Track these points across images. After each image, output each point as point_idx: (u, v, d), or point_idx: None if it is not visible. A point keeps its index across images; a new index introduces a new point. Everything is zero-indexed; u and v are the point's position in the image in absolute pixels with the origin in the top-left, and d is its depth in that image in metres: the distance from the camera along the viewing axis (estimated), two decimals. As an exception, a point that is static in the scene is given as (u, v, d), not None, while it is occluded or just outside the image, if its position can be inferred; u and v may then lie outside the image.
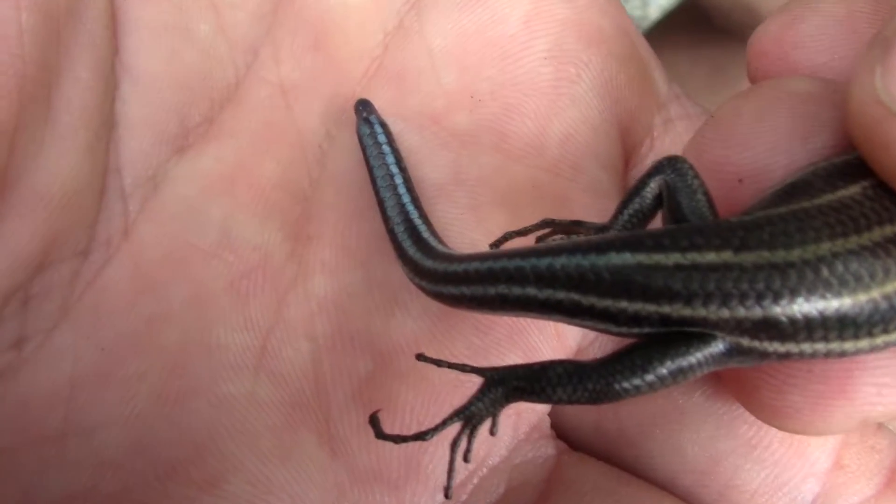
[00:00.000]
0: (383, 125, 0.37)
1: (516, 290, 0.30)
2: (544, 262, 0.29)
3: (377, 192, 0.37)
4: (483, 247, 0.36)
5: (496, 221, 0.37)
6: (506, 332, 0.36)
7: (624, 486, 0.35)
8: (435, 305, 0.35)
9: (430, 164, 0.38)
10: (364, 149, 0.37)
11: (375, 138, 0.37)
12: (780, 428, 0.32)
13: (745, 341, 0.28)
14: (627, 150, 0.40)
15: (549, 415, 0.38)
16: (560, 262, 0.29)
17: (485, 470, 0.36)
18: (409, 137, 0.38)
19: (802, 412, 0.31)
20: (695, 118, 0.41)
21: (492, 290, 0.30)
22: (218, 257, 0.36)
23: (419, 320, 0.36)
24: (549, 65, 0.38)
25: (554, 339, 0.36)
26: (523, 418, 0.36)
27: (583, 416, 0.36)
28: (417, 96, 0.38)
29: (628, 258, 0.28)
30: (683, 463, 0.35)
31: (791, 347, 0.28)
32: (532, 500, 0.35)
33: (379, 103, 0.38)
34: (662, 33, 1.05)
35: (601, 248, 0.29)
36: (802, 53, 0.33)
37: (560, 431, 0.37)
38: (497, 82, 0.38)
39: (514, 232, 0.35)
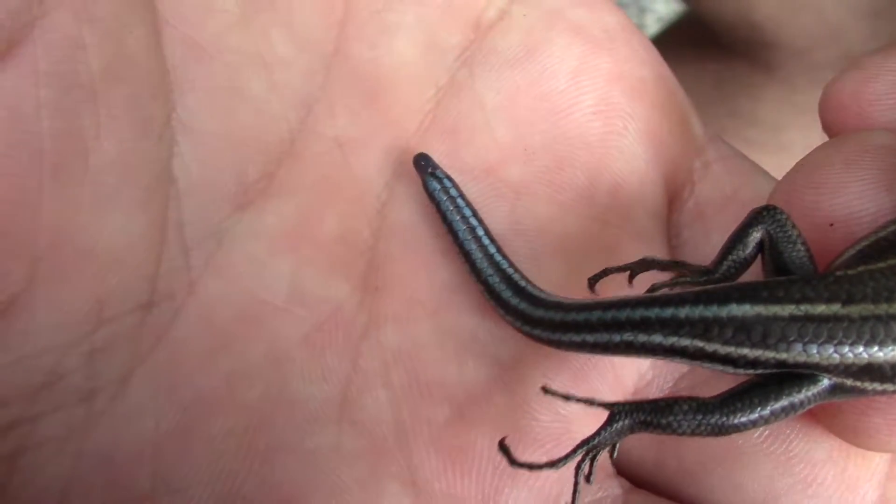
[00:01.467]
0: (450, 178, 0.38)
1: (642, 338, 0.33)
2: (668, 312, 0.33)
3: (461, 246, 0.38)
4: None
5: (555, 270, 0.39)
6: (570, 377, 0.38)
7: None
8: (506, 354, 0.38)
9: (486, 214, 0.39)
10: (438, 203, 0.38)
11: (448, 192, 0.38)
12: (861, 447, 0.35)
13: (849, 382, 0.32)
14: (670, 195, 0.42)
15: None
16: (685, 311, 0.33)
17: None
18: (467, 188, 0.39)
19: (882, 433, 0.34)
20: (730, 159, 0.43)
21: (617, 338, 0.33)
22: (289, 312, 0.37)
23: (491, 368, 0.38)
24: (597, 119, 0.40)
25: (612, 382, 0.38)
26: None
27: (644, 453, 0.38)
28: (471, 149, 0.40)
29: (748, 309, 0.32)
30: (743, 499, 0.37)
31: (888, 387, 0.32)
32: None
33: (434, 157, 0.39)
34: (667, 47, 1.06)
35: (721, 298, 0.32)
36: (878, 109, 0.36)
37: (621, 469, 0.39)
38: (549, 136, 0.39)
39: (613, 268, 0.37)
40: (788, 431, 0.37)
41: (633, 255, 0.39)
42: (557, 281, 0.38)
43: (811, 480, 0.36)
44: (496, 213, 0.39)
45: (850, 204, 0.34)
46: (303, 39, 0.39)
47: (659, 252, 0.40)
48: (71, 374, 0.34)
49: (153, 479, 0.34)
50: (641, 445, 0.38)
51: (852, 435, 0.35)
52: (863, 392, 0.33)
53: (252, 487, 0.34)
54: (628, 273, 0.38)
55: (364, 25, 0.39)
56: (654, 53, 0.43)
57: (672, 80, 0.43)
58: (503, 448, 0.34)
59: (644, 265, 0.38)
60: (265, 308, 0.37)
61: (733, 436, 0.36)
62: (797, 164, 0.36)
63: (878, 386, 0.32)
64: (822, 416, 0.36)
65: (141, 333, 0.35)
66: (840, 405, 0.35)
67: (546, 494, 0.37)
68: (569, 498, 0.37)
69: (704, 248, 0.41)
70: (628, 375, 0.39)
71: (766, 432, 0.37)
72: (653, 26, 1.24)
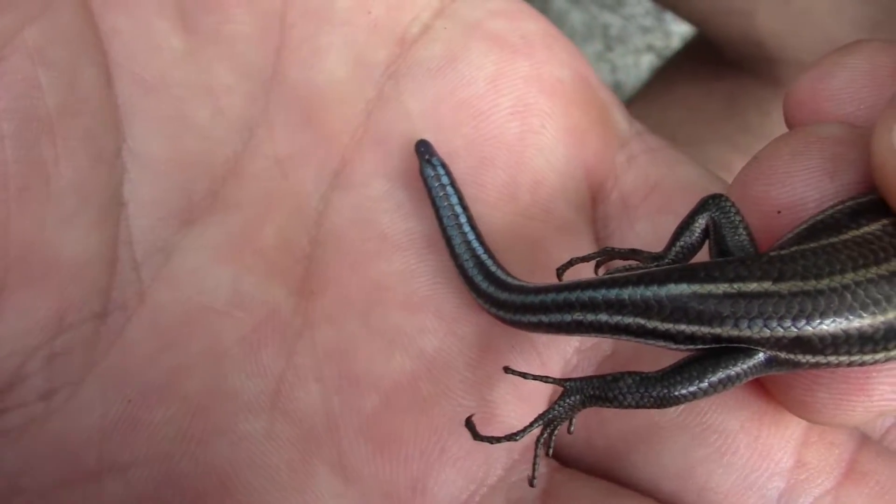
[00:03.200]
0: (444, 165, 0.41)
1: (590, 317, 0.35)
2: (613, 293, 0.35)
3: (444, 230, 0.40)
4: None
5: None
6: (495, 368, 0.40)
7: (613, 498, 0.38)
8: (430, 346, 0.40)
9: (416, 217, 0.42)
10: (429, 189, 0.41)
11: (440, 179, 0.41)
12: (810, 421, 0.37)
13: (783, 354, 0.34)
14: (594, 188, 0.44)
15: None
16: (627, 292, 0.35)
17: (485, 489, 0.39)
18: (396, 194, 0.42)
19: (828, 407, 0.35)
20: (657, 151, 0.45)
21: (568, 318, 0.36)
22: (229, 315, 0.39)
23: (417, 360, 0.40)
24: (515, 119, 0.42)
25: (539, 368, 0.40)
26: (517, 441, 0.39)
27: (576, 434, 0.39)
28: (401, 156, 0.42)
29: (685, 288, 0.34)
30: (664, 471, 0.38)
31: (820, 359, 0.34)
32: None
33: (366, 166, 0.42)
34: (681, 67, 1.09)
35: (661, 279, 0.34)
36: (833, 104, 0.38)
37: (556, 450, 0.40)
38: (470, 138, 0.42)
39: (578, 258, 0.39)
40: (704, 405, 0.38)
41: (558, 247, 0.41)
42: None
43: (725, 450, 0.38)
44: (426, 214, 0.42)
45: (795, 192, 0.36)
46: (244, 67, 0.42)
47: (585, 242, 0.42)
48: (33, 376, 0.37)
49: (99, 460, 0.37)
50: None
51: (802, 409, 0.36)
52: (798, 365, 0.34)
53: (188, 467, 0.37)
54: (594, 263, 0.40)
55: (298, 49, 0.42)
56: (575, 56, 0.45)
57: (593, 80, 0.45)
58: (469, 424, 0.36)
59: (605, 254, 0.39)
60: (207, 312, 0.39)
61: (653, 413, 0.38)
62: (752, 157, 0.38)
63: (810, 358, 0.34)
64: (775, 393, 0.37)
65: (96, 340, 0.38)
66: (790, 381, 0.36)
67: (472, 475, 0.39)
68: (493, 480, 0.39)
69: (629, 236, 0.43)
70: (555, 361, 0.40)
71: (682, 407, 0.38)
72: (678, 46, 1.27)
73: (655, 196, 0.43)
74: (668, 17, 1.23)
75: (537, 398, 0.40)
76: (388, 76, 0.43)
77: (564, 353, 0.41)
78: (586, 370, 0.41)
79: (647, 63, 1.25)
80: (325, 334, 0.40)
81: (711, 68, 1.00)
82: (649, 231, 0.42)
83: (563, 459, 0.40)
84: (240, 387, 0.39)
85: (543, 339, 0.40)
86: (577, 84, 0.44)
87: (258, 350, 0.39)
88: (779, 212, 0.36)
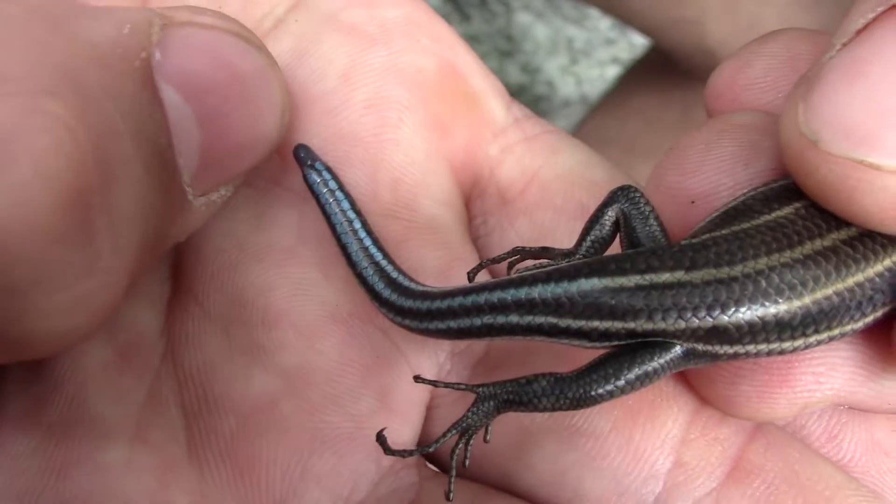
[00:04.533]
0: (329, 169, 0.39)
1: (501, 319, 0.34)
2: (523, 292, 0.33)
3: (338, 239, 0.38)
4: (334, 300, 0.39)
5: (341, 275, 0.39)
6: (359, 378, 0.38)
7: (482, 499, 0.37)
8: (290, 362, 0.38)
9: (277, 226, 0.40)
10: (317, 196, 0.38)
11: (327, 185, 0.38)
12: (736, 416, 0.36)
13: (700, 346, 0.33)
14: (467, 181, 0.42)
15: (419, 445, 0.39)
16: (537, 290, 0.33)
17: None
18: (257, 201, 0.40)
19: (752, 400, 0.35)
20: (535, 139, 0.42)
21: (478, 322, 0.34)
22: (99, 339, 0.38)
23: (278, 378, 0.38)
24: (370, 113, 0.40)
25: (407, 374, 0.38)
26: (382, 453, 0.37)
27: (450, 442, 0.38)
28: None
29: (596, 283, 0.33)
30: (537, 477, 0.37)
31: (738, 349, 0.33)
32: None
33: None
34: (636, 78, 1.09)
35: (571, 275, 0.33)
36: (751, 93, 0.37)
37: (432, 458, 0.40)
38: (323, 137, 0.40)
39: (489, 260, 0.38)
40: None
41: (424, 247, 0.39)
42: (345, 285, 0.39)
43: (595, 454, 0.36)
44: (285, 223, 0.40)
45: (708, 181, 0.35)
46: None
47: (454, 239, 0.40)
48: None
49: None
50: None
51: (726, 404, 0.35)
52: (717, 356, 0.33)
53: (49, 500, 0.36)
54: (507, 263, 0.38)
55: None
56: (443, 42, 0.42)
57: (465, 67, 0.42)
58: (380, 438, 0.35)
59: (515, 254, 0.38)
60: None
61: (522, 416, 0.36)
62: (668, 149, 0.37)
63: (728, 349, 0.33)
64: (699, 388, 0.36)
65: None
66: (712, 376, 0.35)
67: (338, 493, 0.37)
68: (360, 496, 0.38)
69: (510, 233, 0.41)
70: (426, 367, 0.39)
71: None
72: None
73: (534, 189, 0.41)
74: (632, 29, 1.23)
75: (408, 408, 0.39)
76: None
77: (437, 359, 0.39)
78: (460, 374, 0.39)
79: (612, 75, 1.25)
80: (187, 356, 0.39)
81: (668, 78, 1.00)
82: (528, 228, 0.41)
83: (443, 467, 0.39)
84: (101, 413, 0.38)
85: (412, 346, 0.39)
86: (442, 73, 0.42)
87: (120, 376, 0.38)
88: (693, 202, 0.36)
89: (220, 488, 0.37)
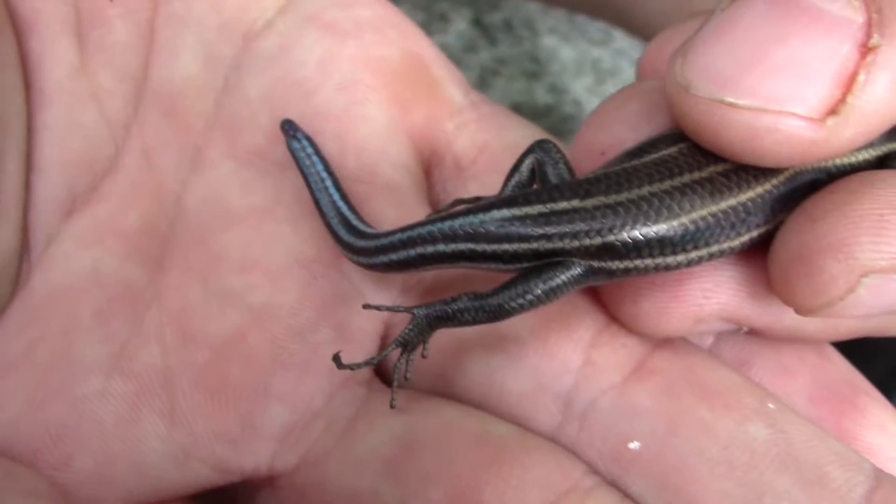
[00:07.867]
0: (308, 138, 0.45)
1: (430, 249, 0.40)
2: (447, 225, 0.39)
3: (313, 195, 0.45)
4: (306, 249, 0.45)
5: (309, 229, 0.45)
6: (318, 312, 0.43)
7: (415, 403, 0.42)
8: (258, 302, 0.43)
9: (259, 192, 0.46)
10: (297, 160, 0.45)
11: (305, 150, 0.45)
12: (643, 332, 0.41)
13: (595, 263, 0.38)
14: (427, 152, 0.48)
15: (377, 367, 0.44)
16: (458, 222, 0.39)
17: (308, 416, 0.42)
18: (243, 173, 0.46)
19: (651, 316, 0.40)
20: (488, 118, 0.49)
21: (413, 252, 0.40)
22: (87, 292, 0.44)
23: (246, 314, 0.43)
24: (341, 94, 0.47)
25: (364, 311, 0.43)
26: (336, 373, 0.43)
27: (395, 359, 0.42)
28: (244, 138, 0.47)
29: (506, 213, 0.38)
30: (469, 379, 0.42)
31: (627, 264, 0.38)
32: (342, 430, 0.42)
33: (216, 150, 0.46)
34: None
35: (486, 208, 0.39)
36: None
37: (383, 377, 0.45)
38: (301, 114, 0.46)
39: (434, 212, 0.44)
40: None
41: (382, 204, 0.45)
42: (312, 242, 0.45)
43: (515, 355, 0.41)
44: (268, 189, 0.46)
45: (616, 135, 0.41)
46: (122, 72, 0.47)
47: (409, 198, 0.46)
48: None
49: None
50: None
51: (633, 322, 0.40)
52: (612, 273, 0.38)
53: (29, 430, 0.41)
54: None
55: (161, 51, 0.48)
56: (409, 37, 0.50)
57: (429, 58, 0.50)
58: (335, 358, 0.40)
59: (456, 204, 0.44)
60: (68, 291, 0.44)
61: (457, 332, 0.41)
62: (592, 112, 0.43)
63: (619, 264, 0.38)
64: (608, 306, 0.41)
65: None
66: (620, 297, 0.41)
67: (304, 408, 0.42)
68: (316, 409, 0.42)
69: (464, 195, 0.46)
70: (381, 302, 0.43)
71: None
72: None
73: (484, 157, 0.48)
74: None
75: (362, 338, 0.44)
76: (231, 68, 0.48)
77: (390, 295, 0.44)
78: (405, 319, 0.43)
79: (638, 94, 1.27)
80: (169, 303, 0.44)
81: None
82: (479, 190, 0.46)
83: (390, 382, 0.43)
84: (83, 353, 0.42)
85: (369, 285, 0.44)
86: (405, 61, 0.49)
87: (109, 320, 0.43)
88: (602, 153, 0.41)
89: (191, 410, 0.42)
